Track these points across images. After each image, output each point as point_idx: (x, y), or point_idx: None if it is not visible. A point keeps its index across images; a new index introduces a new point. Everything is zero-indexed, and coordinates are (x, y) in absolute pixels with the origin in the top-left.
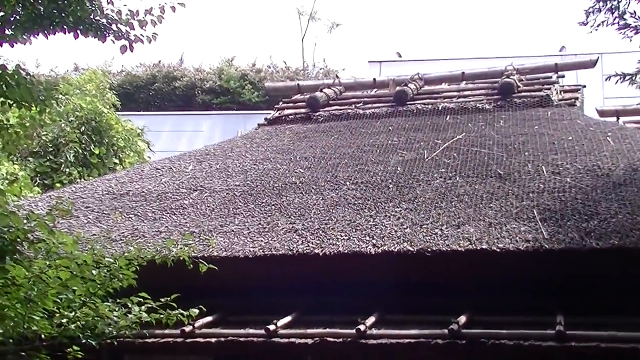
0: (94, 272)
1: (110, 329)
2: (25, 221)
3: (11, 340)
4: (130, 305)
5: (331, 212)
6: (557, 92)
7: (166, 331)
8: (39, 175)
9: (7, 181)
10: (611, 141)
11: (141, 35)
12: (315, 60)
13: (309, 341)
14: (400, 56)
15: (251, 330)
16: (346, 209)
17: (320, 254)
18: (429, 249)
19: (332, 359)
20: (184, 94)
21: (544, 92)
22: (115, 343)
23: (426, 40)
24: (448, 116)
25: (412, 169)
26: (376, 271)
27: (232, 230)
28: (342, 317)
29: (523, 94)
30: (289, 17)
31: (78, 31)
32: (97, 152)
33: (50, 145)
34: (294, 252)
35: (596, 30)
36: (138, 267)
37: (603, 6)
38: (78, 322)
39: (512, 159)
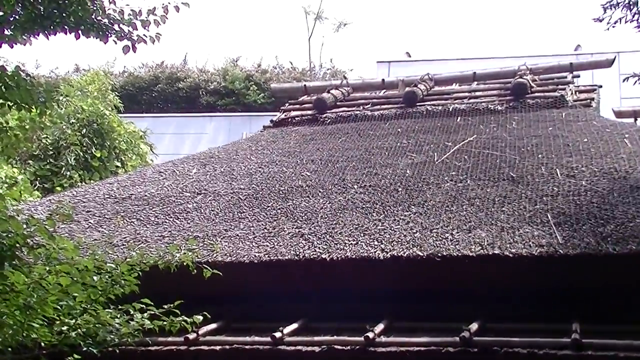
0: (95, 278)
1: (112, 336)
2: (24, 226)
3: (10, 349)
4: (132, 312)
5: (338, 216)
6: (572, 93)
7: (169, 339)
8: (39, 178)
9: (6, 185)
10: (628, 143)
11: (144, 35)
12: (322, 61)
13: (316, 349)
14: (409, 56)
15: (257, 338)
16: (354, 213)
17: (328, 259)
18: (439, 254)
19: None
20: (187, 95)
21: (558, 93)
22: (117, 351)
23: (436, 40)
24: (459, 118)
25: (421, 172)
26: (385, 277)
27: (237, 235)
28: (350, 324)
29: (536, 94)
30: (295, 17)
31: (79, 31)
32: (98, 155)
33: (51, 148)
34: (301, 257)
35: (613, 27)
36: (140, 273)
37: (620, 2)
38: (79, 330)
39: (525, 161)
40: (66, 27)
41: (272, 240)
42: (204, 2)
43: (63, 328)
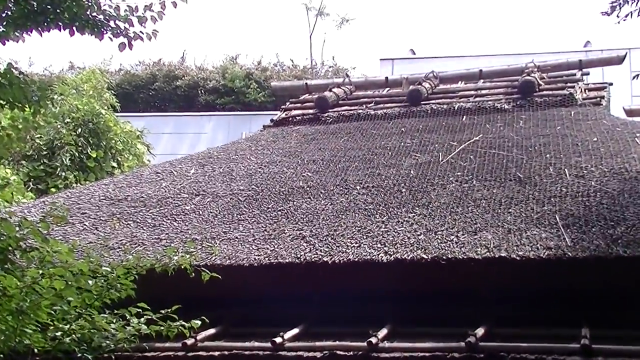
0: (90, 282)
1: (107, 342)
2: (17, 228)
3: (2, 355)
4: (128, 317)
5: (340, 218)
6: (581, 91)
7: (167, 344)
8: (32, 179)
9: None
10: None
11: (141, 32)
12: (324, 58)
13: (318, 355)
14: (414, 53)
15: (256, 343)
16: (356, 215)
17: (329, 262)
18: (444, 257)
19: None
20: (185, 94)
21: (567, 91)
22: (113, 357)
23: (441, 37)
24: (464, 116)
25: (426, 172)
26: (388, 280)
27: (236, 237)
28: (352, 329)
29: (544, 92)
30: (296, 13)
31: (74, 28)
32: (94, 155)
33: (45, 148)
34: (302, 260)
35: (624, 20)
36: (137, 277)
37: None
38: (73, 335)
39: (532, 161)
40: (60, 23)
41: (273, 243)
42: None
43: (57, 333)
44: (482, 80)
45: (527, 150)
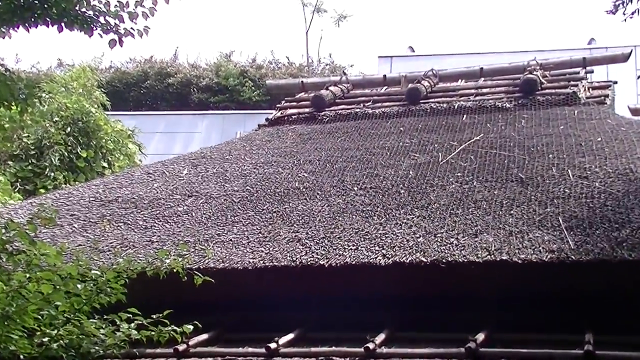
0: (79, 286)
1: (96, 348)
2: (3, 231)
3: None
4: (118, 322)
5: (337, 219)
6: (585, 89)
7: (158, 350)
8: (19, 180)
9: None
10: None
11: (131, 28)
12: (320, 56)
13: None
14: (413, 51)
15: (250, 349)
16: (354, 217)
17: (326, 265)
18: (443, 260)
19: None
20: (178, 92)
21: (570, 89)
22: None
23: (441, 34)
24: (465, 116)
25: (425, 173)
26: (386, 284)
27: (230, 240)
28: (349, 334)
29: (547, 91)
30: (292, 9)
31: (62, 24)
32: (84, 155)
33: (33, 148)
34: (297, 263)
35: (631, 18)
36: (127, 280)
37: None
38: (61, 341)
39: (534, 161)
40: (48, 19)
41: (268, 245)
42: None
43: (44, 339)
44: (482, 79)
45: (529, 150)
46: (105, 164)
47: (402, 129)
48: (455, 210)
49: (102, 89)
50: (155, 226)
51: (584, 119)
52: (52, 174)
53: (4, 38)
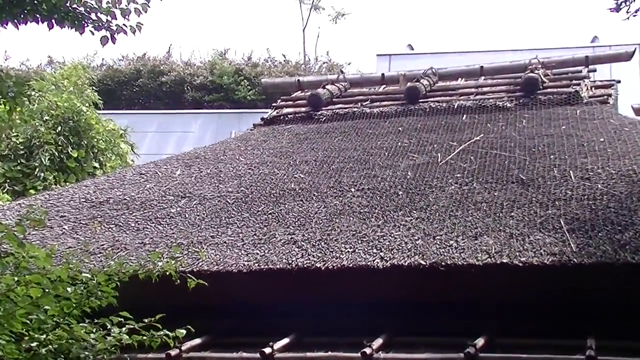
0: (69, 289)
1: (86, 353)
2: None
3: None
4: (109, 326)
5: (334, 221)
6: (587, 88)
7: (150, 355)
8: (8, 180)
9: None
10: None
11: (124, 25)
12: (317, 54)
13: None
14: (412, 49)
15: (245, 354)
16: (351, 218)
17: (322, 268)
18: (442, 263)
19: None
20: (171, 90)
21: (572, 88)
22: None
23: (441, 32)
24: (464, 115)
25: (424, 174)
26: (384, 287)
27: (225, 242)
28: (345, 339)
29: (549, 90)
30: (289, 6)
31: (53, 20)
32: (75, 155)
33: (22, 148)
34: (293, 266)
35: (634, 16)
36: (119, 284)
37: None
38: (50, 346)
39: (536, 162)
40: (38, 15)
41: (263, 248)
42: None
43: (32, 344)
44: (483, 77)
45: (530, 151)
46: (97, 164)
47: (400, 128)
48: (454, 212)
49: (94, 87)
50: (147, 228)
51: (586, 118)
52: (42, 175)
53: None
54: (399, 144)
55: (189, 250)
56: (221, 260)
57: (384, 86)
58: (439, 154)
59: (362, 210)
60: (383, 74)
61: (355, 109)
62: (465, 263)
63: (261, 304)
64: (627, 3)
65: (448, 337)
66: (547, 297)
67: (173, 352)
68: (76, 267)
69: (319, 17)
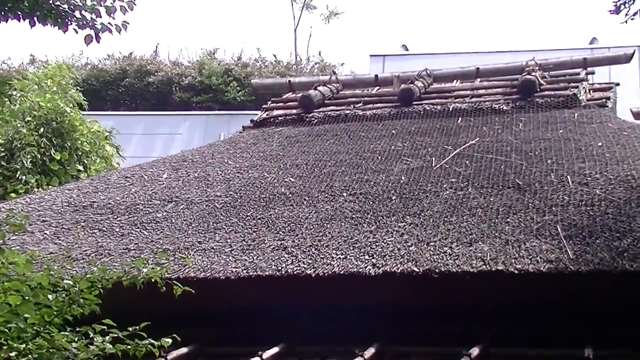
0: (50, 296)
1: None
2: None
3: None
4: (92, 335)
5: (325, 227)
6: (585, 91)
7: None
8: None
9: None
10: None
11: (109, 24)
12: (309, 54)
13: None
14: (406, 49)
15: None
16: (342, 224)
17: (313, 275)
18: (436, 270)
19: None
20: (158, 91)
21: (570, 91)
22: None
23: (436, 32)
24: (460, 118)
25: (418, 178)
26: (376, 295)
27: (212, 248)
28: (337, 347)
29: (546, 93)
30: (281, 5)
31: (35, 18)
32: (58, 157)
33: (3, 150)
34: (283, 272)
35: (632, 19)
36: (102, 291)
37: None
38: (30, 356)
39: (532, 167)
40: (19, 13)
41: (251, 254)
42: None
43: (11, 354)
44: (479, 79)
45: (526, 155)
46: (81, 167)
47: (394, 131)
48: (449, 218)
49: (78, 88)
50: (132, 233)
51: (584, 122)
52: (24, 177)
53: None
54: (393, 147)
55: (176, 256)
56: (208, 266)
57: (377, 88)
58: (434, 158)
59: (354, 216)
60: (376, 75)
61: (348, 111)
62: (459, 270)
63: (250, 312)
64: (627, 5)
65: (442, 346)
66: (543, 305)
67: None
68: (58, 273)
69: (311, 16)
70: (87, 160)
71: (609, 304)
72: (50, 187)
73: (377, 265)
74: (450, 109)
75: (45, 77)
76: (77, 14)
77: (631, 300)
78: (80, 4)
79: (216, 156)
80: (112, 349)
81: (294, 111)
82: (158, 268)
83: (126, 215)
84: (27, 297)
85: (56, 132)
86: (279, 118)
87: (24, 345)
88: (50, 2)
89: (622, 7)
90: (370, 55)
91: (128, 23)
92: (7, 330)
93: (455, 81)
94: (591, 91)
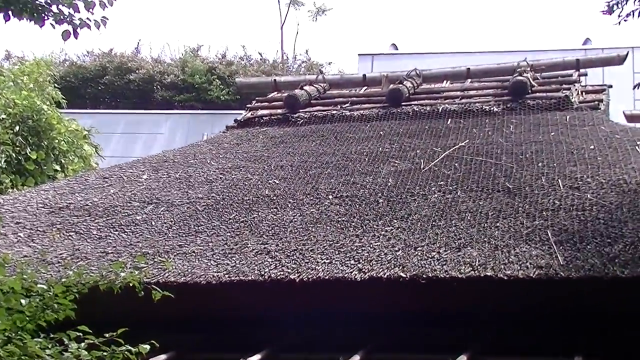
0: (22, 301)
1: None
2: None
3: None
4: (66, 342)
5: (310, 230)
6: (578, 93)
7: None
8: None
9: None
10: None
11: (87, 19)
12: (296, 52)
13: None
14: (395, 49)
15: None
16: (328, 227)
17: (297, 280)
18: (424, 276)
19: None
20: (140, 89)
21: (562, 93)
22: None
23: (426, 31)
24: (449, 120)
25: (406, 181)
26: (362, 301)
27: (193, 251)
28: (321, 355)
29: (538, 94)
30: (266, 1)
31: (9, 12)
32: (34, 156)
33: None
34: (266, 277)
35: (625, 21)
36: (78, 295)
37: None
38: None
39: (523, 170)
40: None
41: (234, 258)
42: None
43: None
44: (469, 80)
45: (517, 158)
46: (58, 167)
47: (382, 133)
48: (437, 222)
49: (56, 85)
50: (110, 236)
51: (576, 125)
52: None
53: None
54: (380, 149)
55: (155, 260)
56: (189, 270)
57: (365, 88)
58: (422, 160)
59: (340, 219)
60: (365, 75)
61: (335, 112)
62: (447, 276)
63: (232, 318)
64: (620, 5)
65: (429, 354)
66: (533, 312)
67: None
68: (31, 277)
69: (298, 13)
70: (65, 159)
71: (600, 311)
72: (25, 187)
73: (363, 270)
74: (440, 110)
75: (21, 73)
76: (54, 8)
77: (622, 307)
78: None
79: (198, 157)
80: (88, 356)
81: (279, 111)
82: (136, 272)
83: (104, 218)
84: None
85: (32, 131)
86: (264, 118)
87: None
88: None
89: (615, 7)
90: (359, 54)
91: (107, 19)
92: None
93: (445, 82)
94: (583, 93)
